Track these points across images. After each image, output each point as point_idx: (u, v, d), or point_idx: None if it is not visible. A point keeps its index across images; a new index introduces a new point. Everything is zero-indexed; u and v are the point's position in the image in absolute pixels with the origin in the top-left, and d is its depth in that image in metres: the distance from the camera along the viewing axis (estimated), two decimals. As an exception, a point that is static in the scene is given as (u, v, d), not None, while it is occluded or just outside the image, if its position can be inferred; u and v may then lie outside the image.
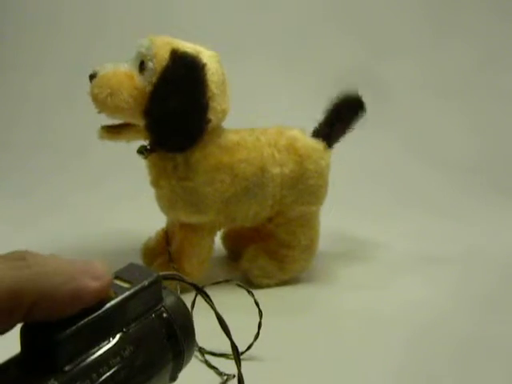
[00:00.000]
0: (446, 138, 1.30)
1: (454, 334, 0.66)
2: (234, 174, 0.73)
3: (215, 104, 0.70)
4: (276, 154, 0.76)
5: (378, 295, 0.76)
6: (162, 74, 0.67)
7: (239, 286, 0.57)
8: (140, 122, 0.69)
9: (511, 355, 0.62)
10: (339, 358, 0.60)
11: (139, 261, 0.81)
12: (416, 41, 1.36)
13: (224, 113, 0.72)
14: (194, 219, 0.74)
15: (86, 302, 0.24)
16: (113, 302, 0.25)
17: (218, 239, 0.82)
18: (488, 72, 1.34)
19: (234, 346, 0.30)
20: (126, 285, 0.27)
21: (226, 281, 0.59)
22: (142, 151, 0.73)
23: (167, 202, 0.74)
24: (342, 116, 0.80)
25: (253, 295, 0.57)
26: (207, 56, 0.70)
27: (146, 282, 0.27)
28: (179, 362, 0.28)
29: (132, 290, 0.26)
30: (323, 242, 0.83)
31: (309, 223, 0.80)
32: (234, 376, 0.55)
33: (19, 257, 0.24)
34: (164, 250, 0.79)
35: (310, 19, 1.36)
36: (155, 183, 0.75)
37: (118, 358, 0.25)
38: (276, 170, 0.75)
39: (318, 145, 0.78)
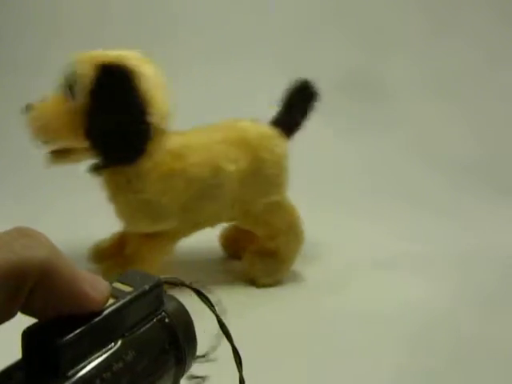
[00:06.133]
0: (445, 137, 1.30)
1: (453, 333, 0.67)
2: (187, 178, 0.72)
3: (155, 106, 0.68)
4: (228, 149, 0.74)
5: (378, 295, 0.77)
6: (91, 92, 0.67)
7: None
8: (85, 144, 0.69)
9: (510, 355, 0.62)
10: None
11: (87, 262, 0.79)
12: (416, 41, 1.36)
13: (167, 114, 0.71)
14: (155, 229, 0.74)
15: (80, 307, 0.24)
16: (114, 307, 0.25)
17: (216, 240, 0.82)
18: (488, 72, 1.35)
19: (235, 351, 0.30)
20: (127, 288, 0.26)
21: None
22: (93, 169, 0.72)
23: (126, 217, 0.74)
24: (297, 102, 0.80)
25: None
26: (135, 60, 0.69)
27: (146, 286, 0.27)
28: (181, 367, 0.28)
29: (133, 294, 0.26)
30: (322, 244, 0.83)
31: (278, 210, 0.79)
32: (205, 378, 0.54)
33: (34, 236, 0.23)
34: (115, 252, 0.78)
35: (309, 19, 1.36)
36: (112, 199, 0.74)
37: (121, 363, 0.25)
38: (231, 167, 0.74)
39: (271, 132, 0.77)
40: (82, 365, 0.23)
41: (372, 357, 0.61)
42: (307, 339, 0.65)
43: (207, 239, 0.86)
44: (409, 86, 1.33)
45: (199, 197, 0.73)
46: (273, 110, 0.82)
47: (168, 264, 0.77)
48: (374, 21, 1.37)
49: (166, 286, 0.29)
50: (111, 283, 0.26)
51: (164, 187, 0.71)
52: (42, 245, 0.23)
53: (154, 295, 0.27)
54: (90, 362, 0.24)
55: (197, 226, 0.77)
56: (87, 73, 0.67)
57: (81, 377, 0.23)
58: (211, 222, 0.78)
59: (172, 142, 0.73)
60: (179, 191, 0.72)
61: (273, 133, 0.78)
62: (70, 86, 0.68)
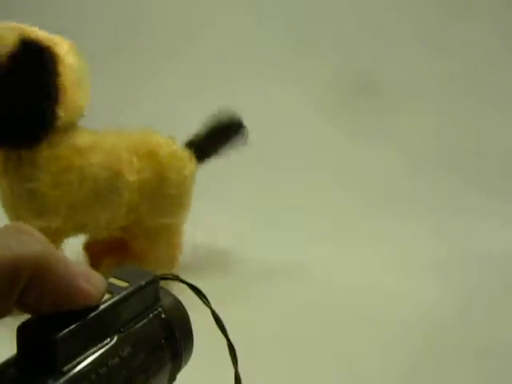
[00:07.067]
0: (445, 138, 1.29)
1: (460, 337, 0.67)
2: (82, 176, 0.68)
3: (67, 99, 0.65)
4: (135, 160, 0.71)
5: (389, 296, 0.76)
6: (7, 62, 0.62)
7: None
8: None
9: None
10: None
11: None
12: (428, 33, 1.35)
13: (80, 110, 0.68)
14: (37, 224, 0.68)
15: (75, 302, 0.24)
16: (110, 302, 0.25)
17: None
18: (504, 65, 1.34)
19: (230, 346, 0.30)
20: (123, 284, 0.26)
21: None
22: None
23: (9, 203, 0.69)
24: (221, 133, 0.79)
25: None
26: (65, 48, 0.66)
27: (143, 282, 0.27)
28: (177, 362, 0.28)
29: (129, 290, 0.26)
30: (324, 246, 0.80)
31: (167, 236, 0.76)
32: None
33: (28, 232, 0.23)
34: None
35: (311, 17, 1.36)
36: None
37: (117, 359, 0.24)
38: (133, 177, 0.71)
39: (182, 153, 0.75)
40: (77, 360, 0.23)
41: (380, 360, 0.61)
42: (311, 340, 0.65)
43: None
44: (410, 88, 1.32)
45: (93, 199, 0.70)
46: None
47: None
48: (376, 20, 1.36)
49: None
50: (107, 279, 0.26)
51: (57, 181, 0.67)
52: (36, 241, 0.23)
53: (150, 291, 0.27)
54: (85, 358, 0.24)
55: (83, 229, 0.73)
56: (9, 40, 0.63)
57: (76, 372, 0.23)
58: (100, 228, 0.73)
59: (79, 138, 0.69)
60: (71, 188, 0.68)
61: (184, 154, 0.75)
62: None
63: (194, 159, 0.77)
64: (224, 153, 0.80)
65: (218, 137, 0.79)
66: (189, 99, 1.21)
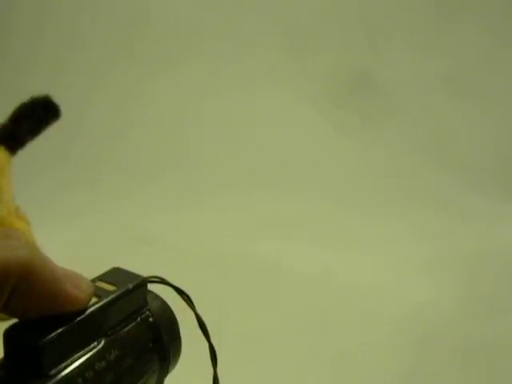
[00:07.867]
0: (455, 135, 1.27)
1: (460, 336, 0.67)
2: None
3: None
4: None
5: (383, 296, 0.76)
6: None
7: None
8: None
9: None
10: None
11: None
12: (423, 31, 1.32)
13: None
14: None
15: (62, 306, 0.24)
16: (97, 306, 0.25)
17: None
18: (502, 65, 1.31)
19: (211, 348, 0.30)
20: (110, 288, 0.26)
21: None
22: None
23: None
24: (27, 116, 0.72)
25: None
26: None
27: (130, 285, 0.27)
28: (165, 366, 0.28)
29: (117, 293, 0.26)
30: (326, 244, 0.80)
31: None
32: None
33: (15, 236, 0.24)
34: None
35: (310, 8, 1.35)
36: None
37: (104, 363, 0.25)
38: None
39: None
40: (64, 364, 0.23)
41: (377, 359, 0.61)
42: (304, 339, 0.65)
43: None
44: (418, 82, 1.29)
45: None
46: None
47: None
48: (377, 14, 1.35)
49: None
50: (94, 282, 0.26)
51: None
52: (22, 245, 0.23)
53: (138, 294, 0.27)
54: (72, 362, 0.24)
55: None
56: None
57: (63, 376, 0.23)
58: None
59: None
60: None
61: None
62: None
63: (2, 149, 0.71)
64: (37, 135, 0.74)
65: (23, 120, 0.72)
66: (185, 103, 1.20)
